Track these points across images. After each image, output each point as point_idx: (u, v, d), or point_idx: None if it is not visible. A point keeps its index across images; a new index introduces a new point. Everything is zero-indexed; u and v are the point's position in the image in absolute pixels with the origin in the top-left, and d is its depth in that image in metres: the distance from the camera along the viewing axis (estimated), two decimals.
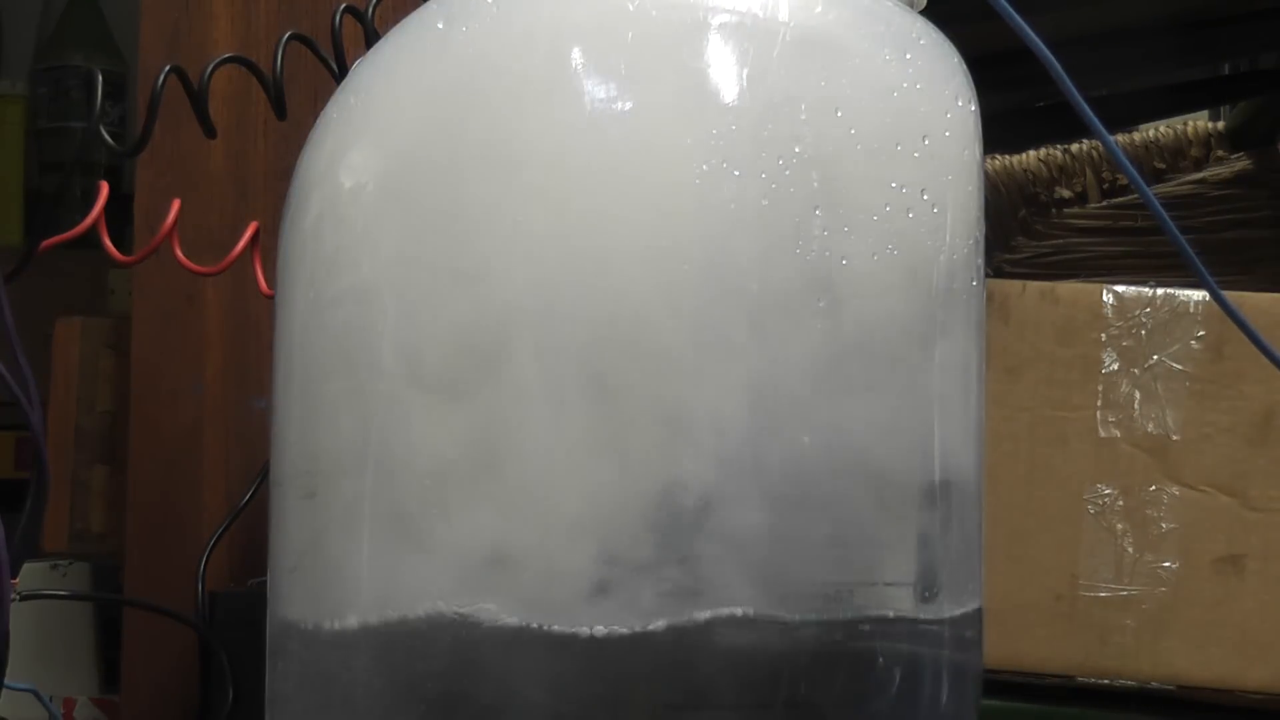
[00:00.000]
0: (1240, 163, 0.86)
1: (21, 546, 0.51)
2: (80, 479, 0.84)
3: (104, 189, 0.58)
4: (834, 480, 0.42)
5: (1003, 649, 0.65)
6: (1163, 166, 0.87)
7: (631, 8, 0.43)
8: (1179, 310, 0.66)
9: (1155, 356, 0.66)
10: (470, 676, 0.41)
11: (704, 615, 0.40)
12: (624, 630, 0.40)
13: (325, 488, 0.44)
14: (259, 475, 0.67)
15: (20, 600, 0.52)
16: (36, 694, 0.67)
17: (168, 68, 0.58)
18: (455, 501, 0.41)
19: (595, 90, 0.43)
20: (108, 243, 0.59)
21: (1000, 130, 0.53)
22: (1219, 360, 0.66)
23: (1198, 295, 0.66)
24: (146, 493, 0.81)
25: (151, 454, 0.80)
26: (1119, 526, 0.66)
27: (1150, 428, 0.66)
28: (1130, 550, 0.66)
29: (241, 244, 0.62)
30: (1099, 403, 0.66)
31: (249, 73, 0.61)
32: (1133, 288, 0.67)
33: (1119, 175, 0.85)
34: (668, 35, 0.43)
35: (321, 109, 0.47)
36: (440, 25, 0.45)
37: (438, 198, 0.43)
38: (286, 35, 0.61)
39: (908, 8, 0.47)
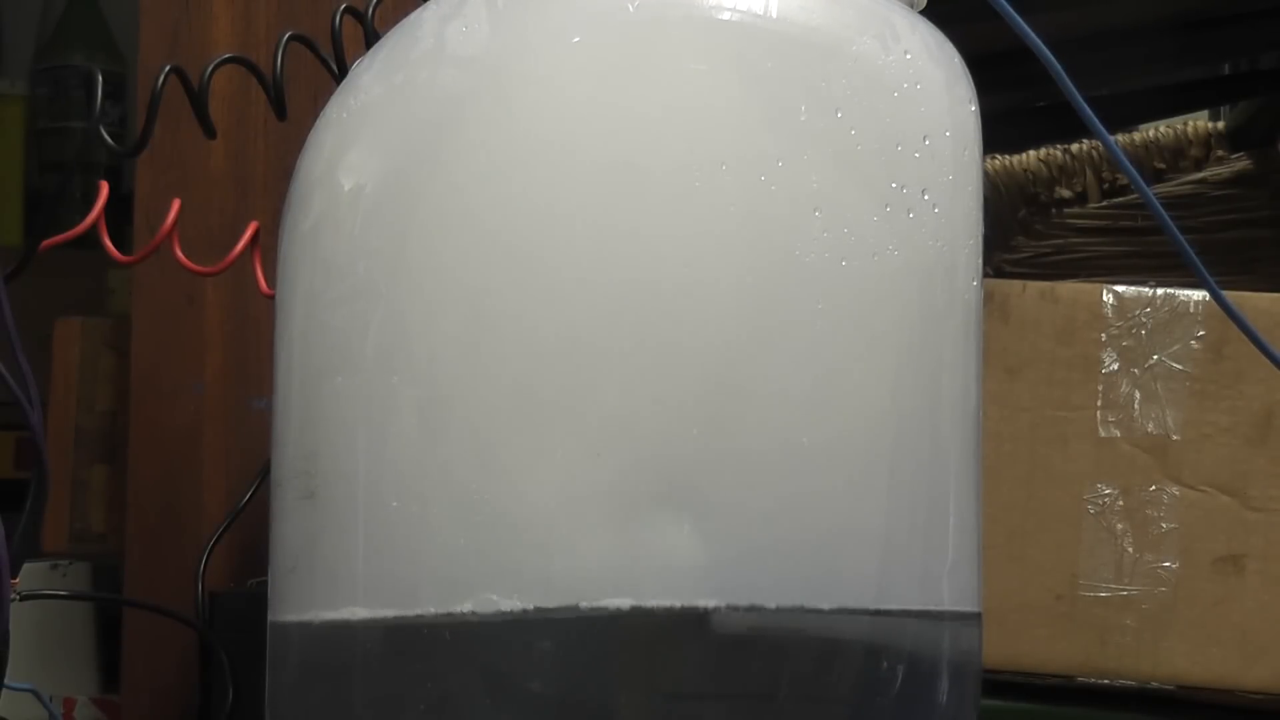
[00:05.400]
0: (1240, 163, 0.86)
1: (21, 546, 0.51)
2: (80, 479, 0.84)
3: (104, 189, 0.58)
4: (836, 477, 0.42)
5: (1003, 649, 0.65)
6: (1163, 166, 0.86)
7: (632, 8, 0.43)
8: (1179, 310, 0.66)
9: (1155, 356, 0.66)
10: (470, 669, 0.41)
11: (706, 606, 0.40)
12: (625, 620, 0.40)
13: (324, 488, 0.44)
14: (259, 475, 0.67)
15: (20, 600, 0.52)
16: (36, 694, 0.67)
17: (168, 68, 0.58)
18: (453, 500, 0.41)
19: (594, 91, 0.43)
20: (108, 243, 0.59)
21: (1000, 130, 0.53)
22: (1219, 360, 0.66)
23: (1198, 295, 0.66)
24: (146, 493, 0.81)
25: (151, 454, 0.80)
26: (1119, 526, 0.66)
27: (1150, 428, 0.66)
28: (1130, 550, 0.66)
29: (241, 244, 0.62)
30: (1099, 403, 0.66)
31: (249, 73, 0.61)
32: (1133, 288, 0.67)
33: (1119, 175, 0.85)
34: (668, 36, 0.43)
35: (321, 109, 0.47)
36: (440, 26, 0.45)
37: (436, 199, 0.43)
38: (286, 35, 0.60)
39: (908, 8, 0.47)
